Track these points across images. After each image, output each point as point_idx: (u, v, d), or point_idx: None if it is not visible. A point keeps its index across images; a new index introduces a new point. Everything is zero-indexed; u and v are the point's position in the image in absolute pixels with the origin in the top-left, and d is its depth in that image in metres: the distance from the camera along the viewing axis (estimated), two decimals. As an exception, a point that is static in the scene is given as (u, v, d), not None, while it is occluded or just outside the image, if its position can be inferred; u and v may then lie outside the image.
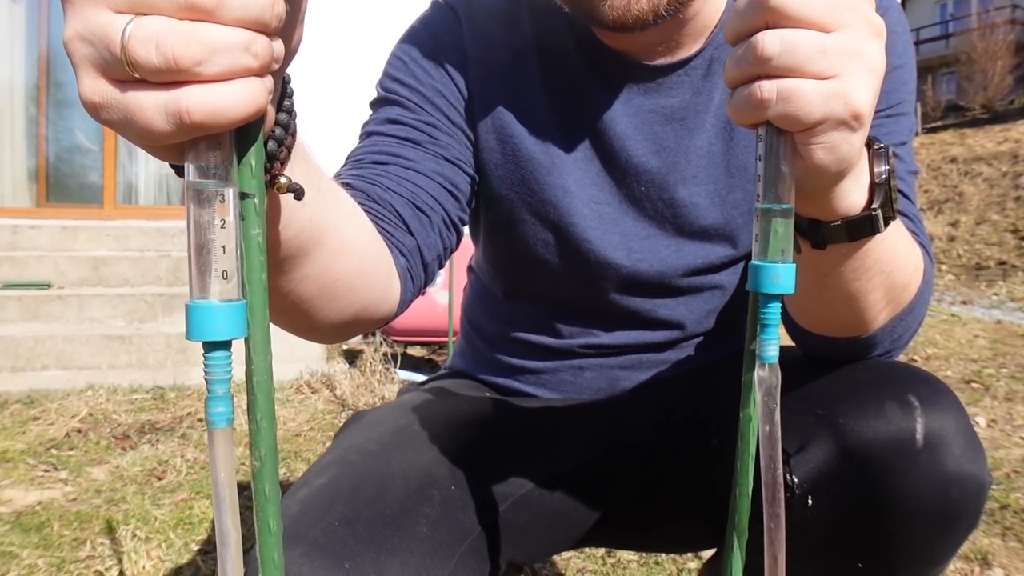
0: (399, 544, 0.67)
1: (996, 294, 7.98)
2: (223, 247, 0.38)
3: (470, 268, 1.12)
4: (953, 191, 11.55)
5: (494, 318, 1.03)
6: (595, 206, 0.89)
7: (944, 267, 9.72)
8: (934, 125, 15.99)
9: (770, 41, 0.43)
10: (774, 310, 0.43)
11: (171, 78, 0.34)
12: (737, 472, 0.47)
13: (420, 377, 3.72)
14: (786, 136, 0.45)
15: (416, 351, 4.18)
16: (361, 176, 0.77)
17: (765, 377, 0.43)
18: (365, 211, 0.70)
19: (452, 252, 0.84)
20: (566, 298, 0.95)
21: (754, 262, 0.44)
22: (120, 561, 1.79)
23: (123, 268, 4.51)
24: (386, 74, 0.88)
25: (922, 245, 0.71)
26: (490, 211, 0.94)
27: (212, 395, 0.39)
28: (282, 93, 0.46)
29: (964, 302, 7.54)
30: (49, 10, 5.72)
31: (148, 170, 5.93)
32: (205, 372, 0.39)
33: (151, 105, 0.35)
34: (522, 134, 0.88)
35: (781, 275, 0.43)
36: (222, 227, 0.38)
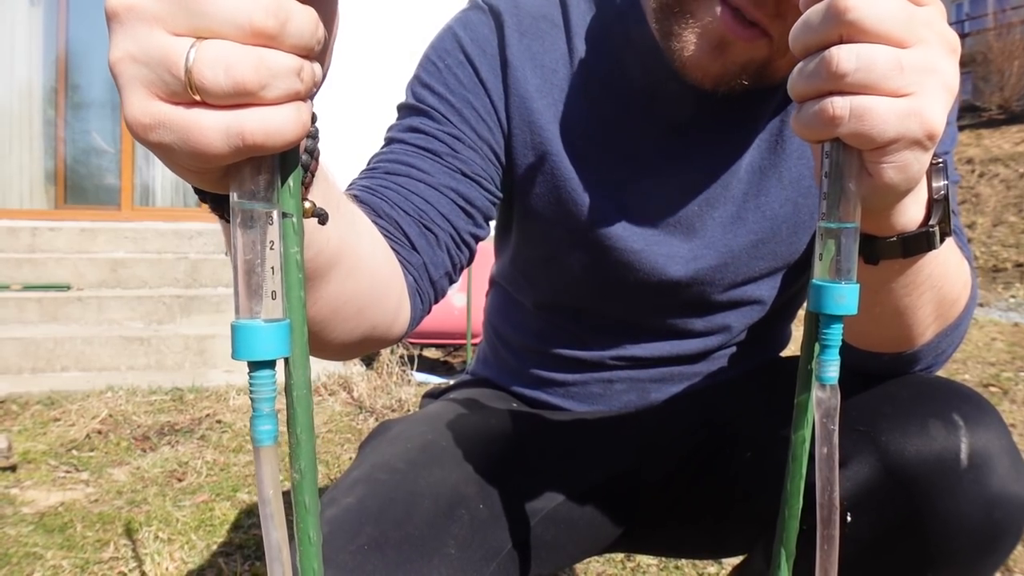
0: (428, 568, 0.67)
1: (1013, 296, 7.88)
2: (271, 268, 0.39)
3: (492, 280, 1.09)
4: (969, 192, 11.43)
5: (522, 329, 1.00)
6: (640, 227, 0.85)
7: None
8: (950, 125, 15.74)
9: (846, 56, 0.41)
10: (836, 331, 0.42)
11: (235, 101, 0.34)
12: (787, 492, 0.46)
13: (436, 379, 3.71)
14: (853, 153, 0.43)
15: (432, 353, 4.17)
16: (370, 188, 0.75)
17: (824, 398, 0.42)
18: None
19: (463, 269, 0.81)
20: (600, 312, 0.93)
21: (817, 282, 0.43)
22: (143, 563, 1.79)
23: (141, 270, 4.53)
24: (417, 78, 0.84)
25: (966, 259, 0.70)
26: (524, 226, 0.91)
27: (258, 413, 0.39)
28: None
29: (981, 304, 7.45)
30: (67, 12, 5.76)
31: (165, 172, 5.96)
32: (251, 391, 0.40)
33: (211, 126, 0.35)
34: (561, 151, 0.83)
35: (846, 296, 0.42)
36: (271, 248, 0.39)
